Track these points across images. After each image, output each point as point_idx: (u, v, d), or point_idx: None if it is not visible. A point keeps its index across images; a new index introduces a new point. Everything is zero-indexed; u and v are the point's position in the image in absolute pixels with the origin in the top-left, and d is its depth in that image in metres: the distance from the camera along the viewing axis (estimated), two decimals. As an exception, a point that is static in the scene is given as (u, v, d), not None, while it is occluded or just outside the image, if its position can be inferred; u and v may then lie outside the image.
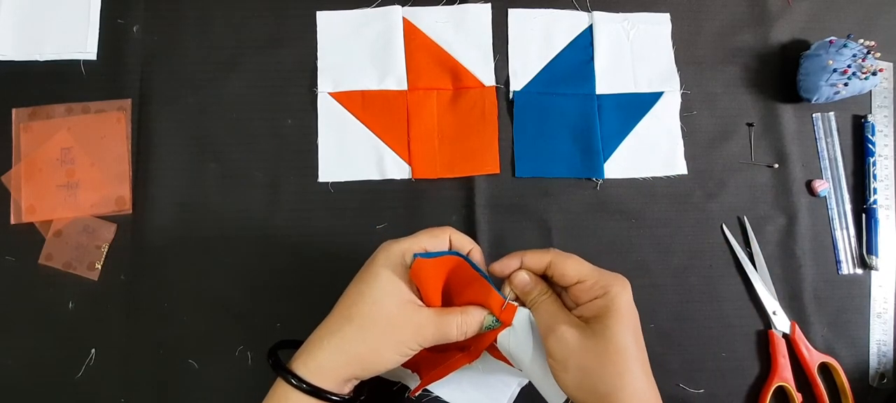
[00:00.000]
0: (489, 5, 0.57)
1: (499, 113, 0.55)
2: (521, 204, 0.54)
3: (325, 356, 0.37)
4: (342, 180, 0.53)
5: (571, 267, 0.39)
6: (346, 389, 0.38)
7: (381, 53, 0.55)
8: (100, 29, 0.54)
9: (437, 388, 0.46)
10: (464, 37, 0.56)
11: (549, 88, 0.56)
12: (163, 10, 0.55)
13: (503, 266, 0.40)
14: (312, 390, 0.36)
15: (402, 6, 0.56)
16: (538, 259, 0.40)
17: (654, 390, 0.37)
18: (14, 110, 0.52)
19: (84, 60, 0.54)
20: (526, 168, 0.54)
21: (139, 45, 0.54)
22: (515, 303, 0.39)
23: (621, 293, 0.38)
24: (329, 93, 0.54)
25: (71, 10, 0.54)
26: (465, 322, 0.39)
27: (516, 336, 0.39)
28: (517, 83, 0.56)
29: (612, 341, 0.36)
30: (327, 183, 0.53)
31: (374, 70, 0.55)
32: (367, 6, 0.56)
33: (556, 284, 0.40)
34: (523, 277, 0.39)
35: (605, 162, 0.55)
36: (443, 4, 0.56)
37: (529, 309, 0.39)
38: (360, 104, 0.54)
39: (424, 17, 0.56)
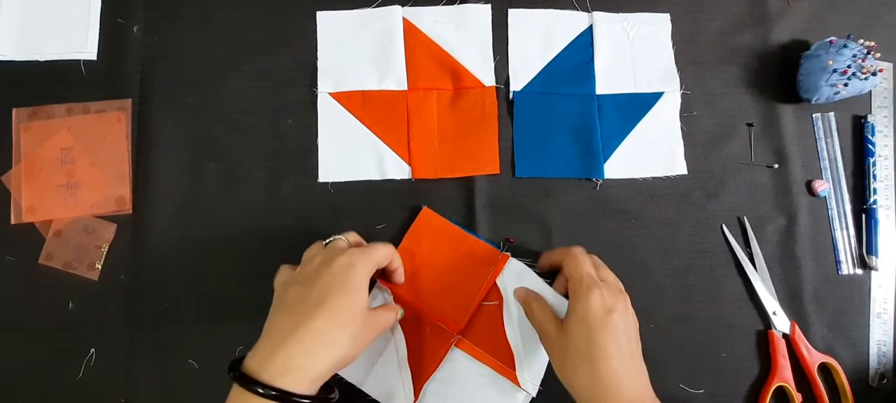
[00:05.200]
0: (489, 6, 0.57)
1: (499, 113, 0.55)
2: (521, 204, 0.54)
3: (321, 366, 0.38)
4: (342, 180, 0.53)
5: (567, 266, 0.46)
6: (316, 389, 0.39)
7: (382, 53, 0.55)
8: (100, 29, 0.54)
9: None
10: (464, 37, 0.56)
11: (550, 88, 0.56)
12: (163, 10, 0.55)
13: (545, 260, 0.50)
14: (282, 395, 0.36)
15: (402, 6, 0.56)
16: (551, 257, 0.50)
17: (614, 387, 0.40)
18: (14, 110, 0.52)
19: (84, 60, 0.54)
20: (526, 168, 0.54)
21: (139, 45, 0.54)
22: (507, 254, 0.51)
23: (590, 301, 0.43)
24: (329, 94, 0.54)
25: (71, 10, 0.54)
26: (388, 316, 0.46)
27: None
28: (517, 83, 0.56)
29: (569, 338, 0.43)
30: (327, 183, 0.53)
31: (374, 70, 0.55)
32: (367, 6, 0.56)
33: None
34: (520, 293, 0.50)
35: (605, 162, 0.55)
36: (443, 4, 0.56)
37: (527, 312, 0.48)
38: (361, 104, 0.54)
39: (424, 17, 0.56)
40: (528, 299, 0.48)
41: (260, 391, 0.36)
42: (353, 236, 0.47)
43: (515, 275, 0.50)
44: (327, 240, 0.46)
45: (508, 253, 0.51)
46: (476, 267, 0.51)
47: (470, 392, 0.49)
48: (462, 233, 0.52)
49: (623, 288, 0.46)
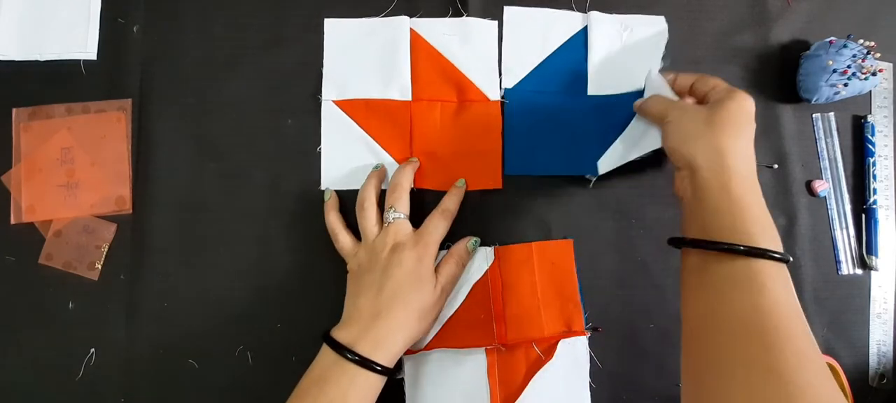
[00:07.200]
0: (496, 23, 0.56)
1: (503, 128, 0.55)
2: (521, 205, 0.54)
3: (398, 346, 0.45)
4: (344, 188, 0.53)
5: (710, 79, 0.48)
6: (394, 361, 0.46)
7: (387, 63, 0.54)
8: (100, 29, 0.54)
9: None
10: (470, 50, 0.55)
11: (542, 87, 0.55)
12: (163, 10, 0.55)
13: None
14: (366, 362, 0.43)
15: (410, 17, 0.55)
16: (685, 79, 0.50)
17: (750, 156, 0.43)
18: (14, 110, 0.52)
19: (84, 60, 0.54)
20: (515, 166, 0.54)
21: (139, 45, 0.54)
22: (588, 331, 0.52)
23: (742, 94, 0.44)
24: (333, 101, 0.54)
25: (71, 10, 0.54)
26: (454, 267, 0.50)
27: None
28: (509, 80, 0.55)
29: (724, 109, 0.43)
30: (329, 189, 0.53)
31: (379, 79, 0.54)
32: (375, 15, 0.55)
33: (697, 98, 0.49)
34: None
35: (598, 159, 0.54)
36: (450, 17, 0.56)
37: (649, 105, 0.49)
38: (364, 113, 0.54)
39: (431, 29, 0.55)
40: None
41: (349, 356, 0.43)
42: (404, 203, 0.49)
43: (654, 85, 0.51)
44: (386, 219, 0.49)
45: (588, 331, 0.52)
46: (553, 313, 0.52)
47: None
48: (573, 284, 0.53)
49: None
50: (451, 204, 0.51)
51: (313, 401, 0.42)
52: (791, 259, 0.40)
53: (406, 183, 0.50)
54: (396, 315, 0.45)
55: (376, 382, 0.44)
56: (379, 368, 0.43)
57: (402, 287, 0.46)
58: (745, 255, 0.38)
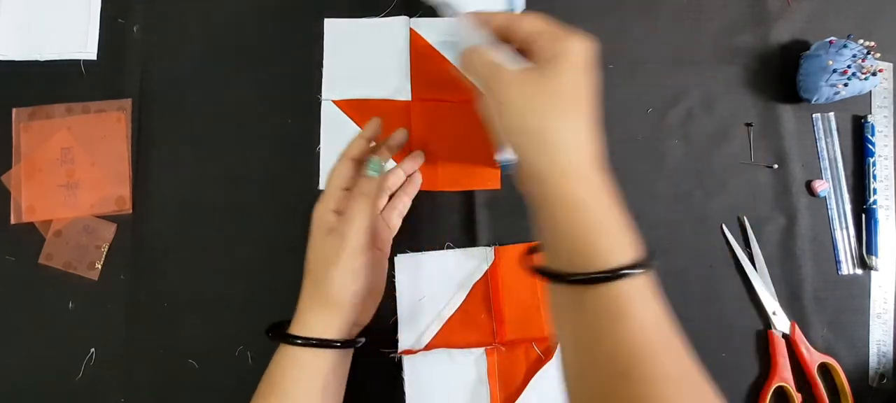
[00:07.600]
0: None
1: None
2: (521, 205, 0.54)
3: (312, 317, 0.42)
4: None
5: (526, 22, 0.37)
6: (354, 332, 0.45)
7: (387, 63, 0.55)
8: (100, 29, 0.54)
9: None
10: None
11: None
12: (163, 10, 0.55)
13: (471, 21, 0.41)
14: (319, 342, 0.41)
15: (410, 17, 0.55)
16: (499, 20, 0.39)
17: (591, 140, 0.35)
18: (14, 110, 0.52)
19: (84, 60, 0.54)
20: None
21: (139, 45, 0.54)
22: None
23: (576, 44, 0.35)
24: (333, 101, 0.54)
25: (71, 10, 0.54)
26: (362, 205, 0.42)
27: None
28: None
29: (553, 79, 0.35)
30: (327, 185, 0.53)
31: (378, 79, 0.54)
32: (375, 15, 0.56)
33: (517, 45, 0.39)
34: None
35: None
36: (450, 16, 0.56)
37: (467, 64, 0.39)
38: (364, 113, 0.54)
39: (431, 29, 0.55)
40: (476, 49, 0.39)
41: (299, 341, 0.41)
42: (343, 166, 0.44)
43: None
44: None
45: None
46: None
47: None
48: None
49: None
50: (352, 145, 0.45)
51: (261, 384, 0.43)
52: (655, 262, 0.35)
53: (337, 178, 0.44)
54: (312, 292, 0.43)
55: (302, 355, 0.41)
56: (328, 343, 0.41)
57: (308, 257, 0.43)
58: (602, 281, 0.32)
